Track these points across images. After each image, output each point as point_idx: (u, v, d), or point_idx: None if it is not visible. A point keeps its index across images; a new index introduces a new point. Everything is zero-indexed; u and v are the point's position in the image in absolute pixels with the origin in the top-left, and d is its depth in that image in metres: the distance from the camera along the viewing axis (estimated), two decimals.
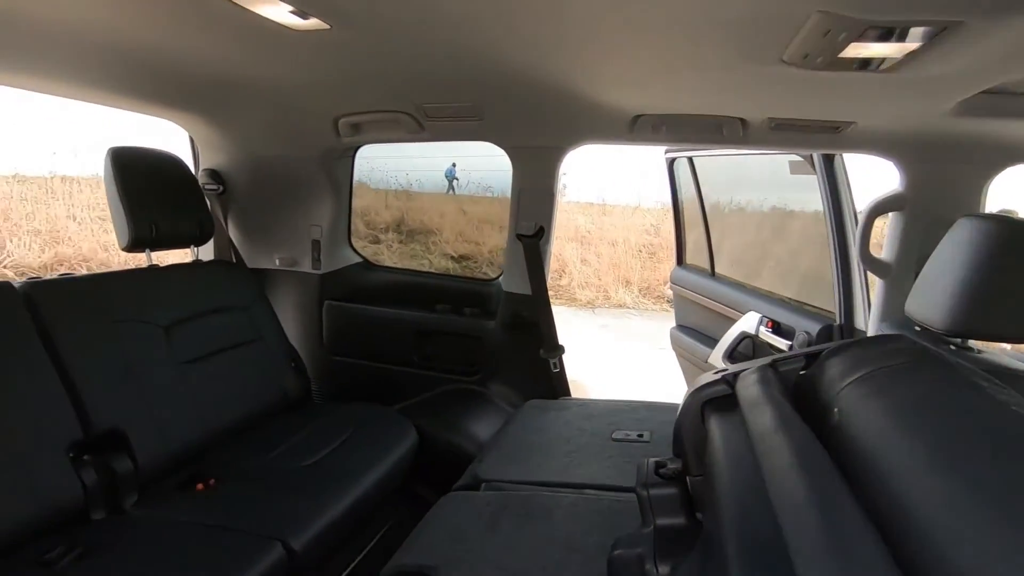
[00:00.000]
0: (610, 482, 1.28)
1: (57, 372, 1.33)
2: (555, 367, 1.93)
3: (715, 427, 0.74)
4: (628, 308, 8.30)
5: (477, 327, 2.06)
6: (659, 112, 1.50)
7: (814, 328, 1.92)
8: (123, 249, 1.65)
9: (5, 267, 6.75)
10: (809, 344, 1.90)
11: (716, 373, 0.83)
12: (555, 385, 1.96)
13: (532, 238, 1.88)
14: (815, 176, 1.88)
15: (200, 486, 1.45)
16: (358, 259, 2.28)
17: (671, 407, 1.83)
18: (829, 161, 1.75)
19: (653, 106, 1.49)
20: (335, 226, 2.17)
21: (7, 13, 1.08)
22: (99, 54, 1.35)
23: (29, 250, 7.25)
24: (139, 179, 1.63)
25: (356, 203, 2.28)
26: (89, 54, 1.34)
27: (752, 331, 2.18)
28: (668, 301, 8.82)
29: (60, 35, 1.21)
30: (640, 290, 8.84)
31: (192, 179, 1.82)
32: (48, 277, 1.48)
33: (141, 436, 1.42)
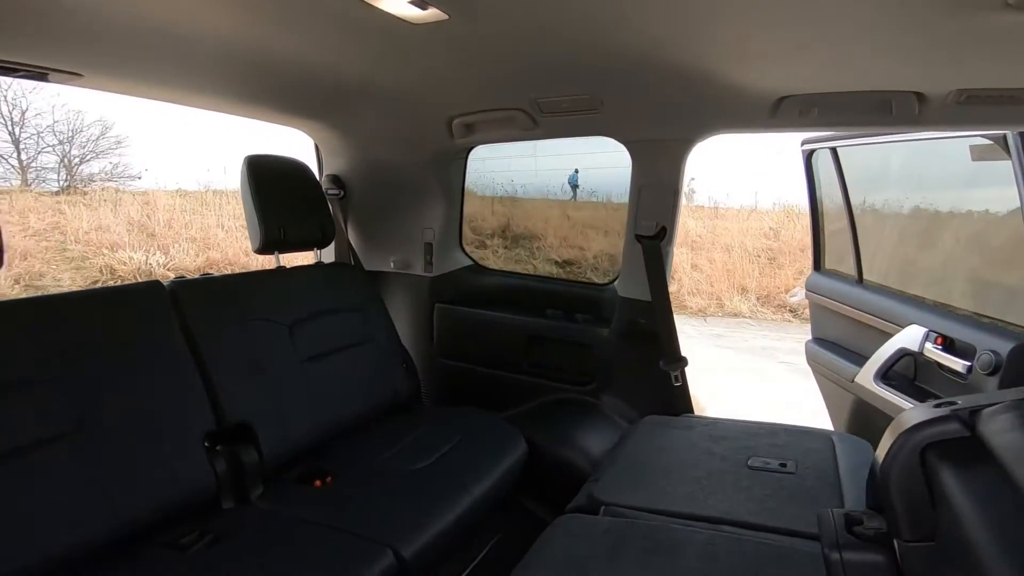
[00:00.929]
0: (751, 519, 1.11)
1: (196, 365, 1.41)
2: (676, 381, 1.76)
3: (953, 483, 0.56)
4: (744, 317, 7.74)
5: (590, 334, 1.95)
6: (809, 91, 1.29)
7: (1003, 347, 1.57)
8: (255, 251, 1.74)
9: (168, 269, 7.77)
10: (997, 367, 1.56)
11: (936, 406, 0.64)
12: (675, 400, 1.79)
13: (653, 239, 1.73)
14: (995, 163, 1.56)
15: (318, 483, 1.47)
16: (468, 262, 2.26)
17: (820, 434, 1.60)
18: None
19: (802, 84, 1.29)
20: (447, 229, 2.16)
21: (158, 28, 1.15)
22: (236, 67, 1.43)
23: (187, 255, 8.27)
24: (271, 185, 1.71)
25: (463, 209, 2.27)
26: (226, 66, 1.43)
27: (915, 348, 1.85)
28: (791, 311, 8.10)
29: (202, 49, 1.29)
30: (758, 298, 8.22)
31: (316, 184, 1.89)
32: (191, 277, 1.59)
33: (267, 429, 1.48)
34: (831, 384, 2.33)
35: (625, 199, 1.82)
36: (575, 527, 1.13)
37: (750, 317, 7.78)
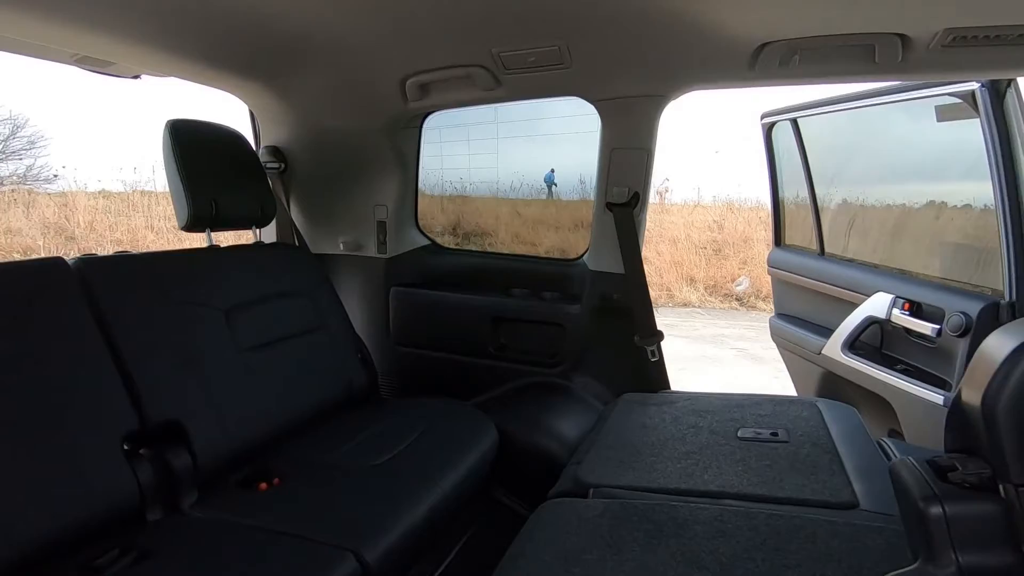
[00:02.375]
0: (755, 491, 1.02)
1: (112, 356, 1.20)
2: (653, 356, 1.68)
3: None
4: (694, 307, 7.91)
5: (559, 312, 1.83)
6: (790, 36, 1.22)
7: (972, 308, 1.57)
8: (182, 228, 1.52)
9: None
10: (968, 328, 1.56)
11: None
12: (653, 377, 1.70)
13: (625, 206, 1.63)
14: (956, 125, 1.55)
15: (263, 485, 1.28)
16: (425, 241, 2.10)
17: (805, 402, 1.54)
18: (998, 96, 1.41)
19: (782, 28, 1.21)
20: (401, 206, 2.00)
21: None
22: (149, 8, 1.22)
23: None
24: (199, 154, 1.50)
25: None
26: (138, 9, 1.22)
27: (882, 315, 1.85)
28: (737, 299, 8.34)
29: None
30: (706, 288, 8.42)
31: (253, 155, 1.68)
32: (103, 254, 1.36)
33: (200, 428, 1.28)
34: (797, 358, 2.32)
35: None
36: (564, 513, 1.01)
37: (699, 306, 7.95)
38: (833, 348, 2.04)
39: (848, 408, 1.45)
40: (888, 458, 1.16)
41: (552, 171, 6.92)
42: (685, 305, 7.93)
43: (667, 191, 11.66)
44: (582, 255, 1.87)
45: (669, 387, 1.72)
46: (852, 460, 1.11)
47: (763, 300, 7.90)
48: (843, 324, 2.00)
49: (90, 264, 1.26)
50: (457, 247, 2.13)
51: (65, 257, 1.24)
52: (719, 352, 5.63)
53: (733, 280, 8.50)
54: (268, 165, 1.87)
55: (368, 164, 1.93)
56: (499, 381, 1.90)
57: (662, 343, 1.71)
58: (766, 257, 2.61)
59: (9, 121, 10.61)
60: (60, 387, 1.08)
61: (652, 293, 1.72)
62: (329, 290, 1.78)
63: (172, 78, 1.82)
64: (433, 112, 1.88)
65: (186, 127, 1.51)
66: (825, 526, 0.84)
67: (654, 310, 1.71)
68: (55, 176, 10.39)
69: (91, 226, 8.66)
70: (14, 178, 10.54)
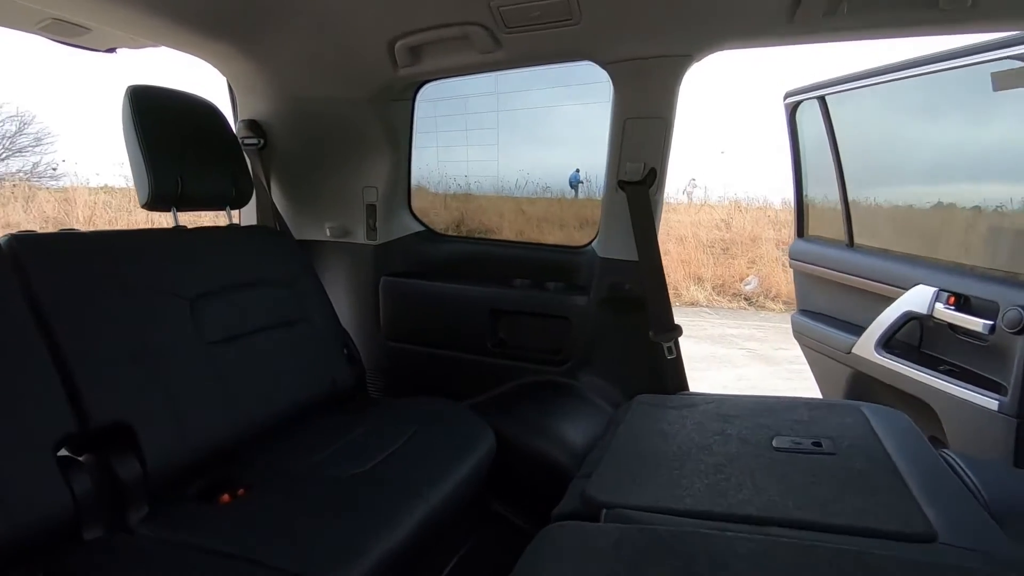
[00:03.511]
0: (804, 515, 0.84)
1: (48, 349, 1.03)
2: (670, 353, 1.50)
3: None
4: (702, 306, 7.74)
5: (564, 304, 1.65)
6: None
7: None
8: (143, 206, 1.36)
9: None
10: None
11: None
12: (669, 377, 1.52)
13: (639, 184, 1.45)
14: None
15: (226, 497, 1.11)
16: (420, 227, 1.93)
17: (847, 407, 1.35)
18: None
19: None
20: (393, 188, 1.82)
21: None
22: None
23: None
24: (163, 123, 1.34)
25: (416, 204, 1.94)
26: None
27: (923, 310, 1.66)
28: (746, 299, 8.15)
29: None
30: (714, 287, 8.25)
31: (227, 128, 1.51)
32: (44, 231, 1.19)
33: (153, 431, 1.10)
34: (823, 358, 2.13)
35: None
36: (571, 539, 0.83)
37: (707, 306, 7.78)
38: (865, 347, 1.86)
39: (898, 414, 1.27)
40: (957, 475, 0.98)
41: (577, 171, 6.76)
42: (692, 304, 7.76)
43: (694, 190, 11.62)
44: (590, 242, 1.69)
45: (688, 388, 1.54)
46: (916, 478, 0.93)
47: (772, 300, 7.72)
48: (877, 320, 1.82)
49: (23, 242, 1.09)
50: (452, 235, 1.95)
51: None
52: (728, 352, 5.44)
53: (741, 279, 8.33)
54: (246, 141, 1.70)
55: (356, 141, 1.75)
56: (498, 380, 1.73)
57: (679, 339, 1.54)
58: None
59: (16, 118, 10.56)
60: None
61: None
62: (313, 279, 1.61)
63: (148, 52, 1.67)
64: (427, 83, 1.71)
65: (148, 93, 1.34)
66: (903, 565, 0.67)
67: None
68: (54, 170, 10.30)
69: (90, 220, 8.54)
70: (20, 175, 10.48)
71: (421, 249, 1.89)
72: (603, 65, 1.42)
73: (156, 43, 1.58)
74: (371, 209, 1.82)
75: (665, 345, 1.49)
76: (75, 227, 8.05)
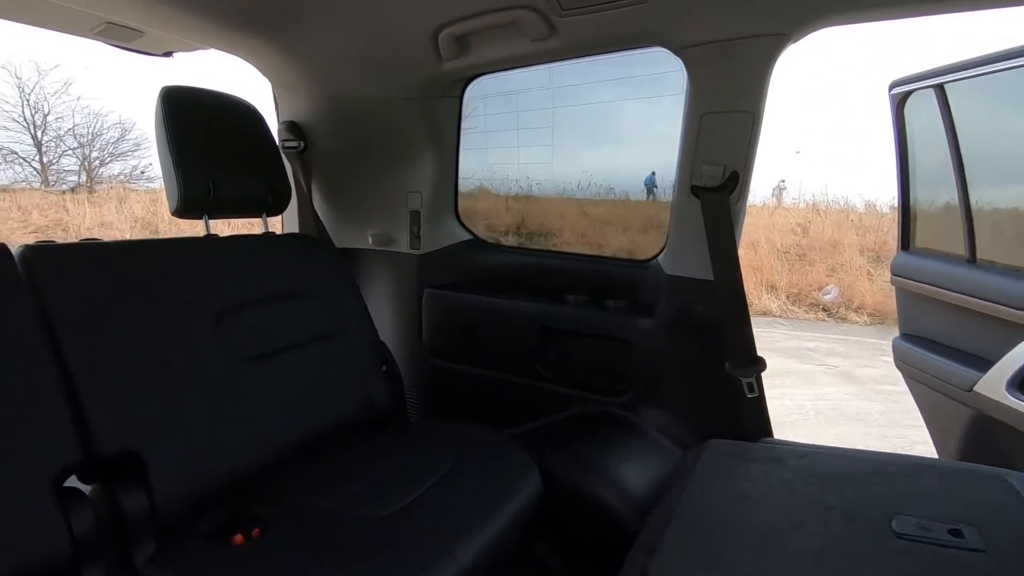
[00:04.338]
0: None
1: (56, 368, 0.95)
2: (751, 391, 1.26)
3: None
4: (774, 316, 7.25)
5: (625, 326, 1.45)
6: None
7: None
8: (173, 213, 1.28)
9: None
10: None
11: None
12: (748, 419, 1.29)
13: (717, 191, 1.23)
14: None
15: (239, 537, 1.00)
16: (466, 236, 1.78)
17: (986, 475, 1.06)
18: None
19: None
20: (438, 193, 1.68)
21: None
22: None
23: None
24: (194, 125, 1.26)
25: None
26: None
27: None
28: (824, 309, 7.54)
29: None
30: (788, 296, 7.70)
31: (264, 131, 1.42)
32: (62, 241, 1.12)
33: (164, 459, 1.01)
34: (934, 393, 1.81)
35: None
36: None
37: (780, 316, 7.27)
38: (993, 385, 1.54)
39: None
40: None
41: (653, 173, 6.50)
42: (764, 314, 7.27)
43: (783, 191, 11.06)
44: (656, 255, 1.48)
45: (771, 433, 1.30)
46: None
47: (855, 311, 7.11)
48: (1011, 355, 1.50)
49: (39, 253, 1.02)
50: (502, 244, 1.78)
51: (10, 246, 1.01)
52: (806, 368, 5.00)
53: (819, 289, 7.73)
54: (286, 144, 1.61)
55: (399, 143, 1.63)
56: (548, 408, 1.55)
57: (766, 369, 1.30)
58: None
59: (119, 125, 11.47)
60: None
61: None
62: (352, 291, 1.50)
63: (208, 55, 1.61)
64: (475, 78, 1.55)
65: (180, 94, 1.26)
66: None
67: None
68: (142, 173, 11.09)
69: (174, 220, 9.03)
70: (120, 177, 11.35)
71: (468, 259, 1.74)
72: (676, 51, 1.21)
73: (201, 44, 1.52)
74: (415, 216, 1.69)
75: (745, 381, 1.26)
76: (159, 225, 8.48)
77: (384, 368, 1.50)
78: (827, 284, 7.78)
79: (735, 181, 1.22)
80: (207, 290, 1.19)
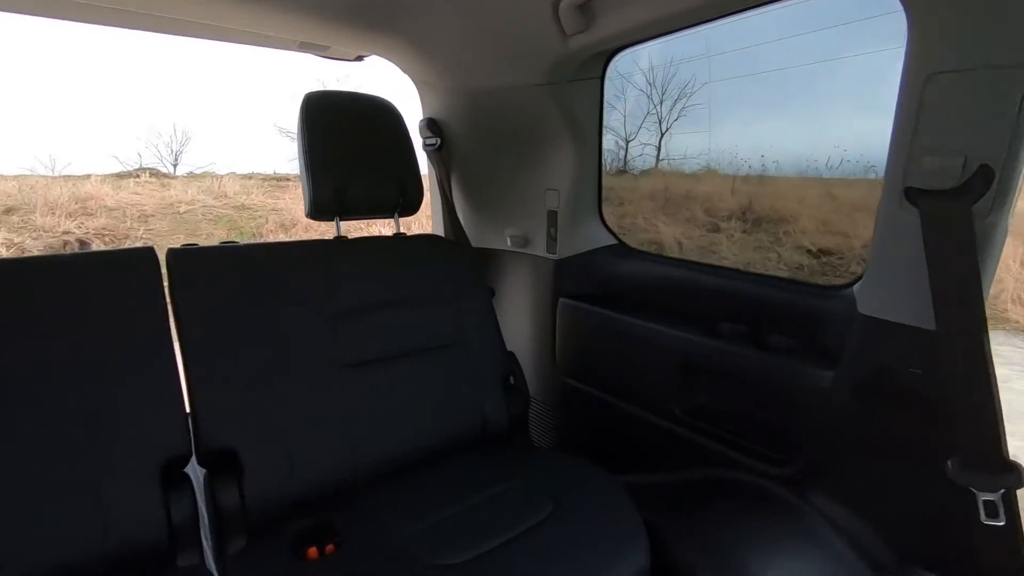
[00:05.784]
0: None
1: (178, 364, 1.05)
2: (991, 515, 0.79)
3: None
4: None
5: (794, 375, 1.06)
6: None
7: None
8: (307, 215, 1.34)
9: None
10: None
11: None
12: (983, 552, 0.82)
13: (950, 196, 0.78)
14: None
15: (313, 551, 0.99)
16: (610, 240, 1.53)
17: None
18: None
19: None
20: (577, 191, 1.47)
21: None
22: None
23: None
24: (328, 129, 1.28)
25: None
26: None
27: None
28: None
29: None
30: None
31: (401, 130, 1.39)
32: (204, 244, 1.24)
33: (259, 461, 1.05)
34: None
35: None
36: None
37: None
38: None
39: None
40: None
41: None
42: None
43: None
44: (851, 283, 1.04)
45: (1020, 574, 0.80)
46: None
47: None
48: None
49: (179, 255, 1.13)
50: (650, 252, 1.49)
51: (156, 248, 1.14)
52: None
53: None
54: (426, 141, 1.58)
55: (534, 135, 1.45)
56: (683, 460, 1.24)
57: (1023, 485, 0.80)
58: None
59: (178, 133, 13.45)
60: (103, 396, 0.95)
61: None
62: (483, 296, 1.40)
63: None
64: (615, 55, 1.28)
65: (319, 98, 1.30)
66: None
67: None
68: (212, 164, 12.63)
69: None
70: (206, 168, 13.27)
71: (610, 267, 1.50)
72: None
73: (360, 51, 1.56)
74: (552, 216, 1.50)
75: (982, 498, 0.79)
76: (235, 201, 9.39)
77: (507, 383, 1.39)
78: None
79: (985, 180, 0.75)
80: (325, 294, 1.21)
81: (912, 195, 0.82)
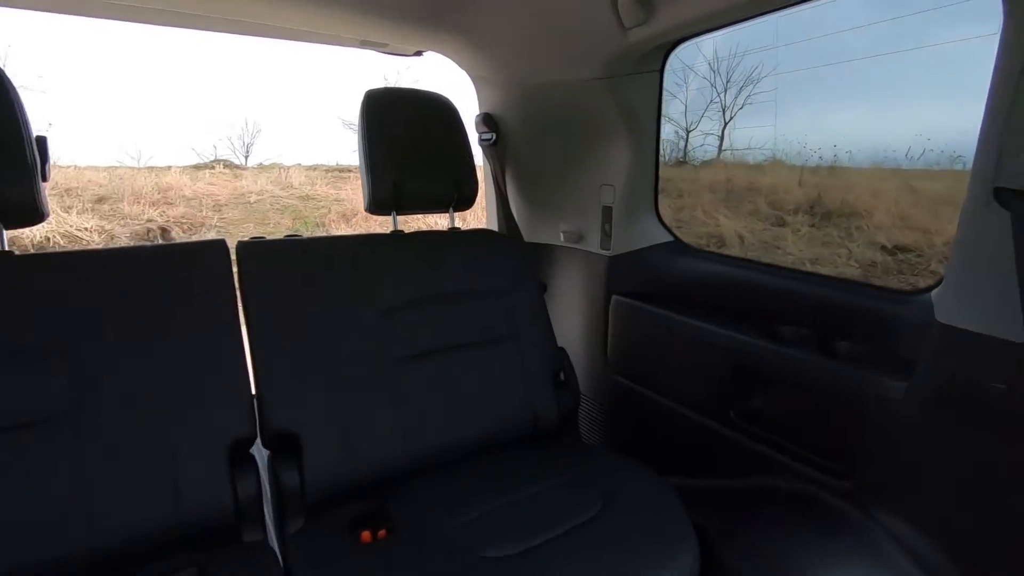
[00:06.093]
0: None
1: (244, 349, 1.11)
2: None
3: None
4: None
5: (862, 384, 1.01)
6: None
7: None
8: (366, 211, 1.38)
9: None
10: None
11: None
12: None
13: None
14: None
15: (366, 535, 1.04)
16: (666, 237, 1.49)
17: None
18: None
19: None
20: (633, 186, 1.44)
21: None
22: None
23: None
24: (386, 125, 1.31)
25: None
26: None
27: None
28: None
29: None
30: None
31: (456, 125, 1.40)
32: (271, 237, 1.30)
33: (318, 446, 1.11)
34: None
35: None
36: None
37: None
38: None
39: None
40: None
41: None
42: None
43: None
44: (930, 288, 0.97)
45: None
46: None
47: None
48: None
49: (248, 248, 1.19)
50: (707, 250, 1.44)
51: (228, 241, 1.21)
52: None
53: None
54: (482, 136, 1.59)
55: (590, 130, 1.43)
56: (736, 467, 1.21)
57: None
58: None
59: (249, 127, 13.65)
60: (177, 381, 1.02)
61: None
62: (534, 291, 1.41)
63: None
64: (675, 47, 1.24)
65: (378, 95, 1.33)
66: None
67: None
68: (280, 156, 12.68)
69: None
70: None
71: (665, 265, 1.46)
72: None
73: (420, 47, 1.59)
74: (607, 212, 1.48)
75: None
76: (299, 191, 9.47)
77: (558, 380, 1.39)
78: None
79: None
80: (380, 287, 1.25)
81: (1002, 196, 0.75)
